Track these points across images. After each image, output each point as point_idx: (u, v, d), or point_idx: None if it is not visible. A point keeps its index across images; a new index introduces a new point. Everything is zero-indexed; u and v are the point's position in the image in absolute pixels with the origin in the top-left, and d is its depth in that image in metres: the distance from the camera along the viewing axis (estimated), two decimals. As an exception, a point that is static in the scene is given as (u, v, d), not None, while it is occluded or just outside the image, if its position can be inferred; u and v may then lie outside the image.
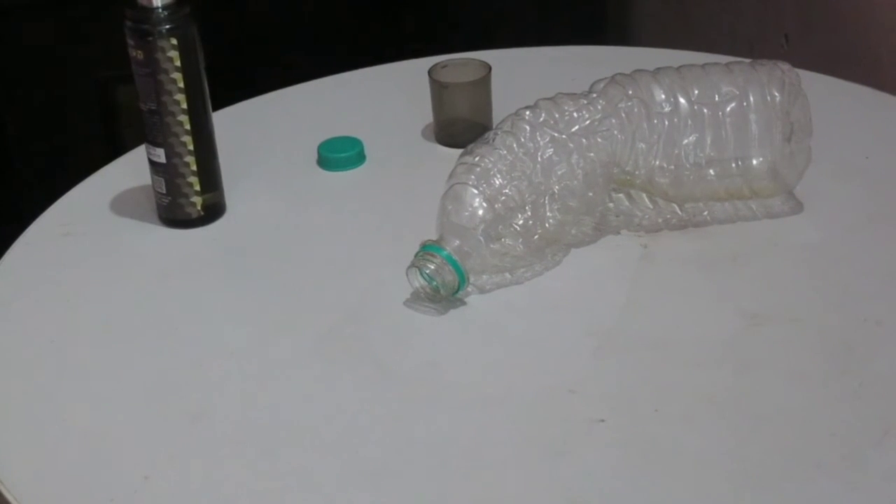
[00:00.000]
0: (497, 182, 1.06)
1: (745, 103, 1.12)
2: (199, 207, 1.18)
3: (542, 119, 1.09)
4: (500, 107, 1.23)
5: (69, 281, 1.14)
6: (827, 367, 0.99)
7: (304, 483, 0.92)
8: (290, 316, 1.08)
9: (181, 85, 1.13)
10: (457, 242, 1.05)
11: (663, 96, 1.12)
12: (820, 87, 1.22)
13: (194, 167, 1.16)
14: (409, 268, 1.05)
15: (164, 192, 1.17)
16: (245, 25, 2.10)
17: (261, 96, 1.42)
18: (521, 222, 1.07)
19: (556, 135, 1.09)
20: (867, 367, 0.98)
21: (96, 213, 1.22)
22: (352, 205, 1.23)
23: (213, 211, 1.20)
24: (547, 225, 1.08)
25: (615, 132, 1.11)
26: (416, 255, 1.05)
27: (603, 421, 0.95)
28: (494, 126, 1.11)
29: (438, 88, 1.29)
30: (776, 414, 0.95)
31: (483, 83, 1.28)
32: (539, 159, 1.08)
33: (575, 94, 1.12)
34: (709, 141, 1.12)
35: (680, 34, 2.12)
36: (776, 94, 1.12)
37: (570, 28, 2.17)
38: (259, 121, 1.38)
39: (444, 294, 1.05)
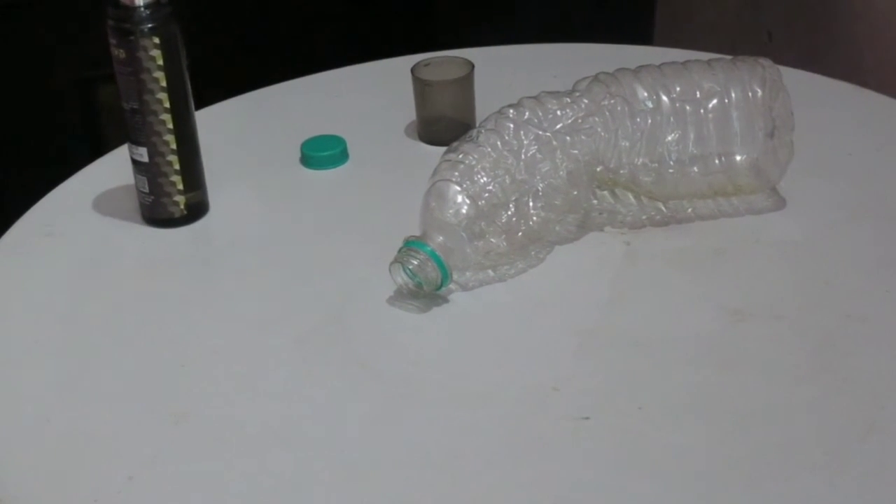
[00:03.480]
0: (481, 179, 1.06)
1: (726, 100, 1.12)
2: (182, 206, 1.18)
3: (525, 117, 1.09)
4: (484, 105, 1.23)
5: (52, 281, 1.14)
6: (810, 363, 0.99)
7: (287, 482, 0.91)
8: (273, 315, 1.08)
9: (163, 84, 1.13)
10: (440, 239, 1.05)
11: (645, 94, 1.12)
12: (803, 84, 1.22)
13: (177, 166, 1.16)
14: (391, 263, 1.05)
15: (147, 191, 1.17)
16: (227, 24, 2.09)
17: (243, 95, 1.42)
18: (504, 220, 1.07)
19: (539, 133, 1.09)
20: (850, 364, 0.99)
21: (79, 213, 1.22)
22: (335, 203, 1.23)
23: (197, 210, 1.19)
24: (531, 222, 1.08)
25: (599, 130, 1.11)
26: (399, 251, 1.05)
27: (587, 418, 0.95)
28: (478, 124, 1.12)
29: (421, 86, 1.29)
30: (760, 411, 0.95)
31: (466, 81, 1.28)
32: (523, 157, 1.08)
33: (558, 92, 1.12)
34: (691, 138, 1.12)
35: (663, 31, 2.12)
36: (757, 90, 1.12)
37: (564, 27, 2.17)
38: (242, 119, 1.38)
39: (426, 290, 1.05)
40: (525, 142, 1.08)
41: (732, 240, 1.13)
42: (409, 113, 1.32)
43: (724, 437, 0.93)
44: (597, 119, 1.11)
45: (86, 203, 1.23)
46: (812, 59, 1.62)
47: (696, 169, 1.13)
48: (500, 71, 1.37)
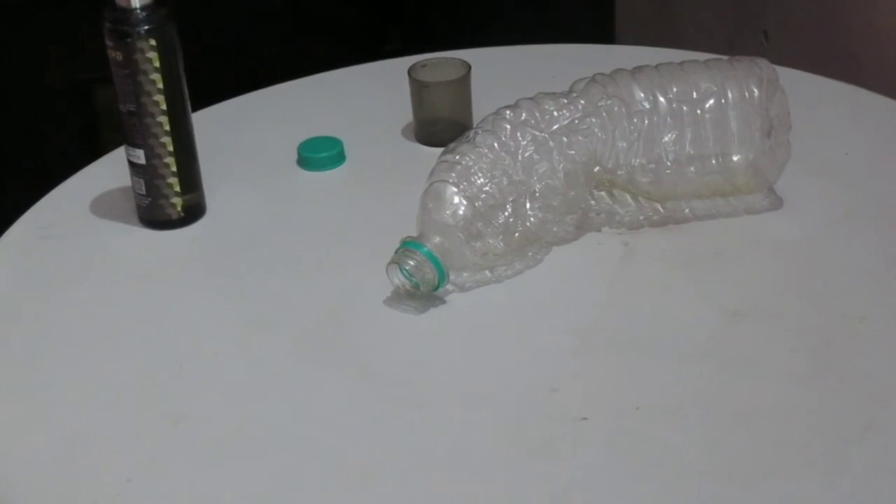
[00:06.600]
0: (478, 180, 1.06)
1: (723, 100, 1.12)
2: (179, 208, 1.18)
3: (522, 118, 1.09)
4: (480, 106, 1.23)
5: (49, 283, 1.14)
6: (808, 363, 0.99)
7: (286, 484, 0.91)
8: (271, 316, 1.08)
9: (160, 86, 1.13)
10: (437, 239, 1.05)
11: (642, 95, 1.12)
12: (799, 84, 1.23)
13: (174, 168, 1.16)
14: (389, 264, 1.05)
15: (144, 193, 1.17)
16: (224, 25, 2.09)
17: (240, 97, 1.42)
18: (501, 221, 1.07)
19: (536, 133, 1.09)
20: (848, 363, 0.99)
21: (76, 215, 1.22)
22: (332, 204, 1.23)
23: (194, 212, 1.19)
24: (528, 223, 1.08)
25: (596, 131, 1.11)
26: (396, 252, 1.05)
27: (585, 419, 0.95)
28: (475, 125, 1.12)
29: (418, 87, 1.29)
30: (758, 411, 0.95)
31: (463, 82, 1.28)
32: (520, 158, 1.08)
33: (555, 93, 1.12)
34: (688, 138, 1.12)
35: (660, 31, 2.13)
36: (754, 89, 1.12)
37: (553, 27, 2.17)
38: (239, 121, 1.38)
39: (423, 291, 1.05)
40: (522, 143, 1.08)
41: (730, 240, 1.13)
42: (406, 114, 1.32)
43: (721, 436, 0.93)
44: (594, 120, 1.11)
45: (83, 205, 1.23)
46: (809, 59, 1.62)
47: (693, 169, 1.13)
48: (497, 72, 1.37)
